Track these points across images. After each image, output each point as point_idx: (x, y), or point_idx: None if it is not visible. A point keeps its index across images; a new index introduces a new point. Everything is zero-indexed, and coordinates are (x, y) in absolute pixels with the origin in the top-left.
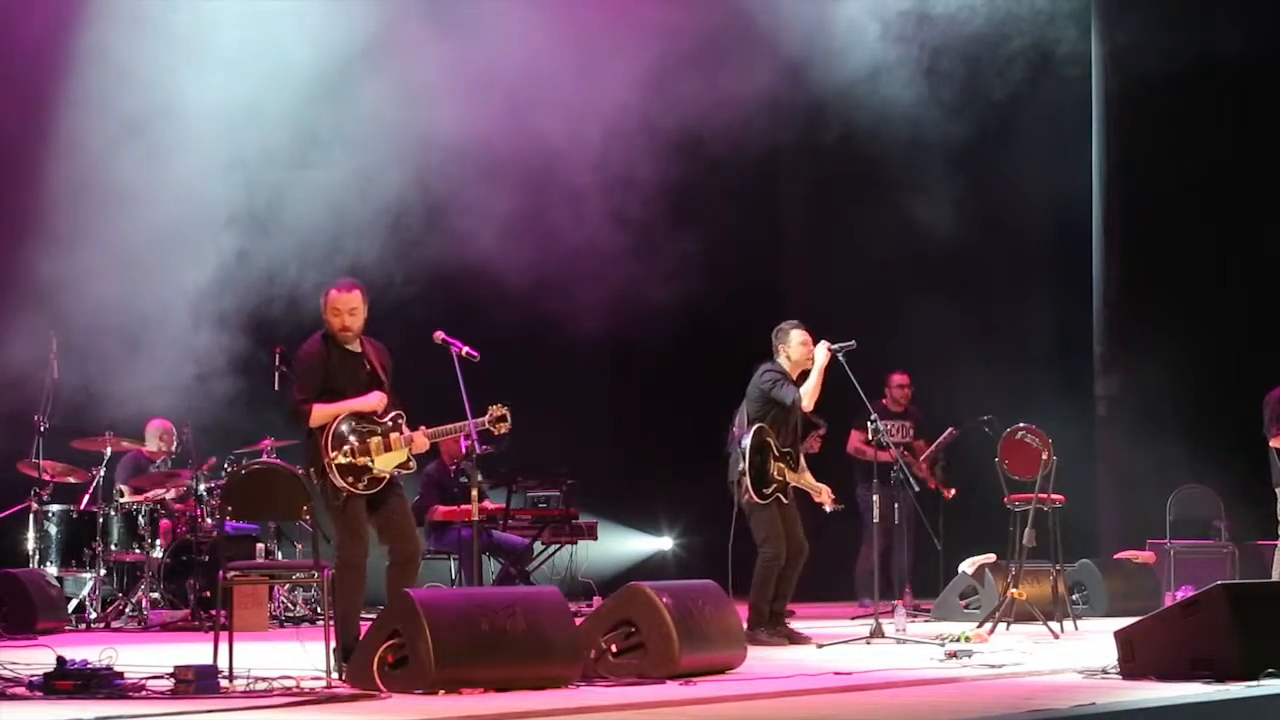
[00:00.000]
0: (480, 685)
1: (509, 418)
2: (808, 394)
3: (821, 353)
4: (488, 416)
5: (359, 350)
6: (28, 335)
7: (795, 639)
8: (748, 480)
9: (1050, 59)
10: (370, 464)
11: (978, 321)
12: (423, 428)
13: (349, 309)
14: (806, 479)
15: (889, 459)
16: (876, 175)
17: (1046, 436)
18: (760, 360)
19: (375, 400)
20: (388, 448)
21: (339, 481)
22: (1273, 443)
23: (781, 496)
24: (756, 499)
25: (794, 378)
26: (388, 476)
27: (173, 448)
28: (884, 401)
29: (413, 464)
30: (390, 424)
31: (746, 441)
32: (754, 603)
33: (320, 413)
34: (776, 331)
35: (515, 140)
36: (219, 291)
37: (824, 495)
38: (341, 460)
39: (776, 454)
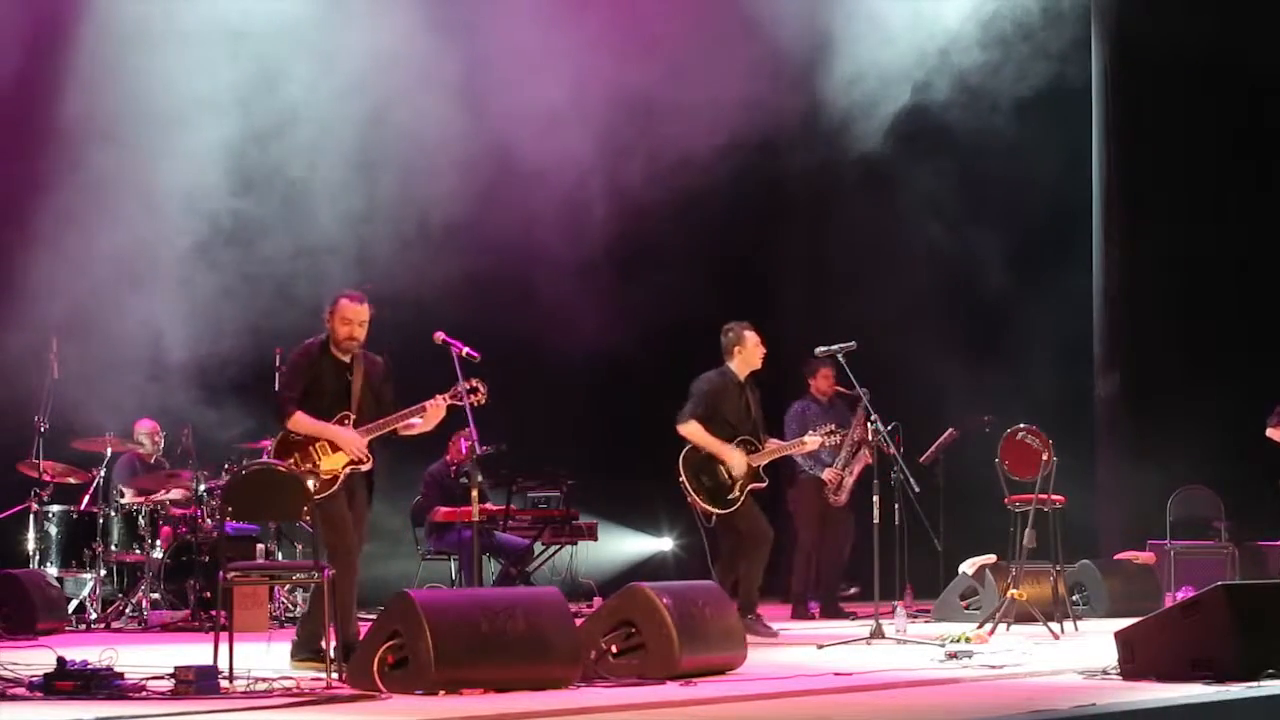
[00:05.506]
0: (480, 686)
1: (480, 388)
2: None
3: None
4: (453, 392)
5: (348, 362)
6: (28, 336)
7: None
8: (700, 505)
9: (1051, 58)
10: (316, 468)
11: (978, 322)
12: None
13: (359, 320)
14: (771, 447)
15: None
16: (874, 174)
17: (1046, 436)
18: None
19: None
20: (335, 448)
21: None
22: (1269, 432)
23: (755, 484)
24: (722, 511)
25: (743, 378)
26: (341, 474)
27: (160, 447)
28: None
29: (366, 462)
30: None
31: (682, 472)
32: (745, 589)
33: (300, 422)
34: (726, 330)
35: (518, 145)
36: (220, 292)
37: (807, 445)
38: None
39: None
